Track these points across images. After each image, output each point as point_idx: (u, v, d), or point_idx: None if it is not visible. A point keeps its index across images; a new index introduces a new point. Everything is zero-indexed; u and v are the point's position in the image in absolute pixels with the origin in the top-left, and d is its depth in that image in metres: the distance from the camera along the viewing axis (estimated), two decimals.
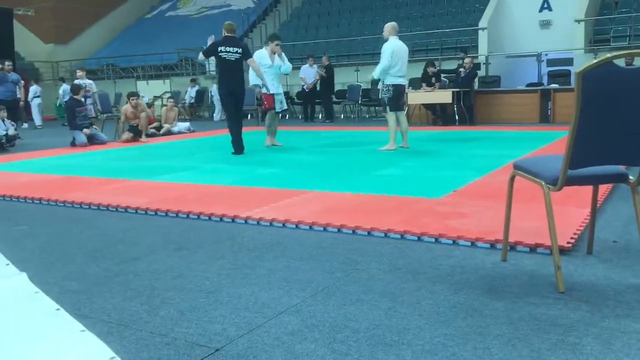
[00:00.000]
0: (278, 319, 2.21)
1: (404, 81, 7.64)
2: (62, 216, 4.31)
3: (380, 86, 7.72)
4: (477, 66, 12.48)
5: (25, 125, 16.00)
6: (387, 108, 7.53)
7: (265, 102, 8.29)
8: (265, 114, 8.67)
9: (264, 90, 8.14)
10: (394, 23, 7.63)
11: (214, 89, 16.82)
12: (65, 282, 2.75)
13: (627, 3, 14.33)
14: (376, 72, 7.45)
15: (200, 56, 7.86)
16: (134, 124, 10.41)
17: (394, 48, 7.28)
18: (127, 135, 10.22)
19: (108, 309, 2.38)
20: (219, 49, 7.59)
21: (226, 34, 7.70)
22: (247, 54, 7.71)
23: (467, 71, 11.45)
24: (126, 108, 10.48)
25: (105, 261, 3.08)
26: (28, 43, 23.62)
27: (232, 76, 7.66)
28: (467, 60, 11.67)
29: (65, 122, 15.08)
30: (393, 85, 7.41)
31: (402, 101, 7.79)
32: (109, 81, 20.96)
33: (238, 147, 7.59)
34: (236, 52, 7.56)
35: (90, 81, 12.50)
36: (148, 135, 10.78)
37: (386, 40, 7.41)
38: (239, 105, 7.84)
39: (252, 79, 8.23)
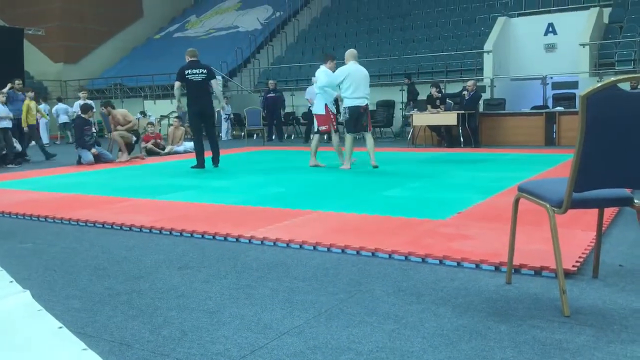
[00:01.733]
0: (280, 340, 2.20)
1: (362, 102, 7.77)
2: (67, 234, 4.32)
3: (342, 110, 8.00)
4: (480, 88, 12.53)
5: (32, 142, 16.11)
6: (345, 129, 7.88)
7: (327, 124, 8.20)
8: (310, 134, 8.78)
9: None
10: (352, 50, 8.00)
11: (222, 109, 16.95)
12: (69, 300, 2.74)
13: (632, 27, 14.42)
14: (320, 84, 7.83)
15: (176, 85, 8.46)
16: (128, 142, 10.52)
17: (347, 71, 7.57)
18: (123, 157, 10.25)
19: (110, 328, 2.37)
20: (186, 72, 8.16)
21: (190, 59, 8.23)
22: (210, 74, 8.22)
23: (471, 94, 11.50)
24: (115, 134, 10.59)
25: (108, 279, 3.08)
26: (37, 62, 23.92)
27: (199, 96, 8.26)
28: (469, 83, 11.74)
29: (69, 141, 15.21)
30: (349, 108, 7.71)
31: (363, 122, 7.85)
32: (117, 100, 21.13)
33: (200, 162, 8.24)
34: (201, 73, 8.09)
35: (91, 102, 12.62)
36: (150, 152, 10.93)
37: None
38: (207, 122, 8.38)
39: (326, 97, 8.11)
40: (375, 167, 7.68)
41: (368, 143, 7.82)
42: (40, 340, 2.29)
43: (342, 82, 7.64)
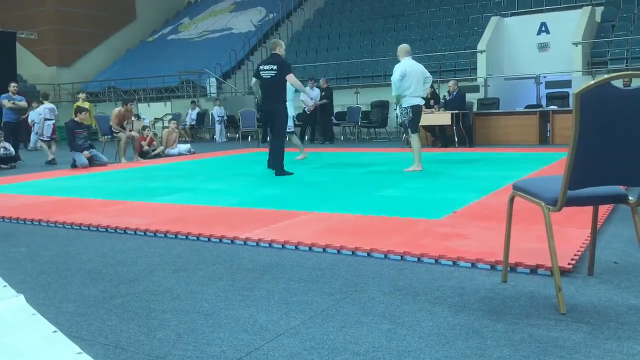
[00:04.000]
0: (276, 342, 2.19)
1: (421, 101, 7.55)
2: (61, 237, 4.30)
3: (398, 111, 7.61)
4: (471, 88, 12.59)
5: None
6: (409, 130, 7.44)
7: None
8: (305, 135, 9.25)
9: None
10: (406, 45, 7.58)
11: (215, 111, 16.94)
12: (63, 304, 2.73)
13: (624, 26, 14.48)
14: (393, 91, 7.38)
15: (252, 80, 7.76)
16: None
17: (405, 69, 7.21)
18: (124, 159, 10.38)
19: (105, 331, 2.36)
20: (260, 67, 7.50)
21: (270, 52, 7.68)
22: (282, 69, 7.21)
23: (454, 94, 11.57)
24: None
25: (103, 282, 3.06)
26: (31, 66, 23.84)
27: (265, 94, 7.44)
28: (450, 83, 11.85)
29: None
30: (411, 107, 7.33)
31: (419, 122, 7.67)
32: (111, 103, 21.08)
33: (281, 170, 7.37)
34: (271, 70, 7.24)
35: (52, 105, 12.58)
36: (144, 153, 11.05)
37: (399, 62, 7.37)
38: (270, 124, 7.56)
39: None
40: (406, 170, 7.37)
41: (416, 144, 7.39)
42: (35, 344, 2.27)
43: (403, 80, 7.22)
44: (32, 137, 16.37)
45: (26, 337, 2.34)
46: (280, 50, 7.51)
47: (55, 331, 2.35)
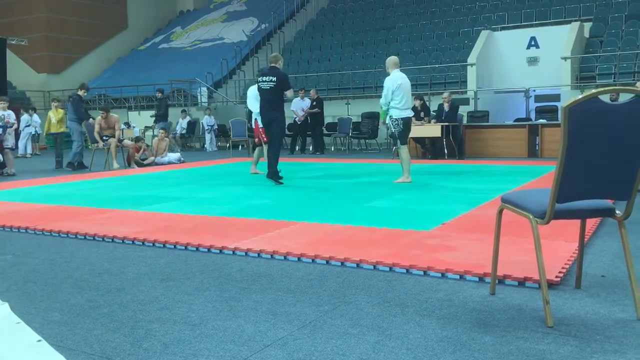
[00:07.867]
0: (264, 353, 2.17)
1: (411, 113, 7.67)
2: (48, 246, 4.26)
3: (388, 121, 7.65)
4: (455, 100, 12.69)
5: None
6: (399, 142, 7.50)
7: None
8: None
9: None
10: (394, 57, 7.66)
11: (205, 120, 16.93)
12: (48, 313, 2.70)
13: (612, 42, 14.68)
14: (383, 99, 7.41)
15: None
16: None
17: (400, 81, 7.27)
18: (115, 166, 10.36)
19: (91, 341, 2.33)
20: (259, 79, 7.93)
21: (269, 65, 7.95)
22: (283, 84, 7.54)
23: (450, 105, 11.65)
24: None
25: (89, 291, 3.03)
26: (21, 72, 23.70)
27: (264, 103, 7.80)
28: (445, 95, 11.89)
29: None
30: (402, 119, 7.38)
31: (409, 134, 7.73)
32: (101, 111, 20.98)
33: (272, 173, 7.53)
34: (270, 81, 7.54)
35: (10, 111, 12.54)
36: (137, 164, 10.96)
37: (388, 74, 7.42)
38: (272, 131, 7.74)
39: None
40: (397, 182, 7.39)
41: (405, 156, 7.44)
42: (19, 353, 2.24)
43: (394, 92, 7.26)
44: (20, 143, 16.29)
45: (10, 346, 2.31)
46: (280, 64, 7.86)
47: (40, 340, 2.32)
